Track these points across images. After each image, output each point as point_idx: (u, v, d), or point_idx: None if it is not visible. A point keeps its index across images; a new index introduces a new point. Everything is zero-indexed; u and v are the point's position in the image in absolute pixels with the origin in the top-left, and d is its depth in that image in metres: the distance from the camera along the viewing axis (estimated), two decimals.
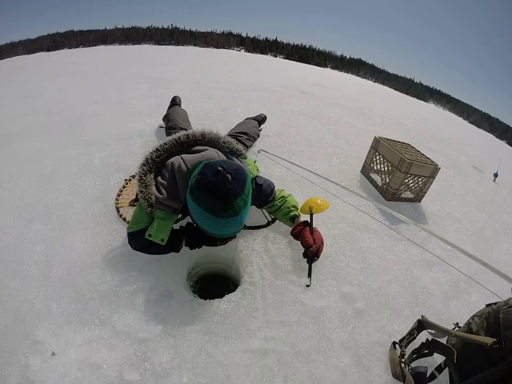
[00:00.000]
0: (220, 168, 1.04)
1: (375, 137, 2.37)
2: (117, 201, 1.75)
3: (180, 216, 1.35)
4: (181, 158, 1.24)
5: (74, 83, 4.68)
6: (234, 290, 1.36)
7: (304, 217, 1.56)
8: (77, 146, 2.40)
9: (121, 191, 1.83)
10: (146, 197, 1.20)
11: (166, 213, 1.24)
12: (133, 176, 1.95)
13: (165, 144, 1.33)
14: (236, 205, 1.05)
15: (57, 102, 3.57)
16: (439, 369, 1.06)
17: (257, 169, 1.51)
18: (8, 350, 1.06)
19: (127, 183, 1.90)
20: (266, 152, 2.07)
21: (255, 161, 1.57)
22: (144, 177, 1.25)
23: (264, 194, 1.48)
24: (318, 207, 1.54)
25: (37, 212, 1.69)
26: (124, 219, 1.63)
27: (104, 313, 1.20)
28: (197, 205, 1.06)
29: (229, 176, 1.04)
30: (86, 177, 1.98)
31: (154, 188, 1.24)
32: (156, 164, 1.30)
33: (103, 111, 3.20)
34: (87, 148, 2.35)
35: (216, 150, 1.30)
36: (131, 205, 1.73)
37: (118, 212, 1.68)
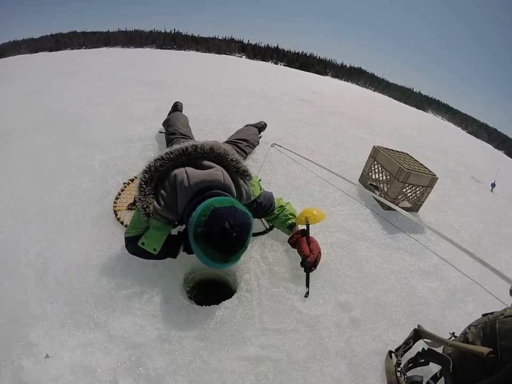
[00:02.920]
0: (226, 225, 1.03)
1: (374, 146, 2.38)
2: (115, 204, 1.75)
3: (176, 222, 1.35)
4: (186, 172, 1.22)
5: (75, 84, 4.70)
6: (231, 297, 1.35)
7: (302, 226, 1.57)
8: (77, 147, 2.40)
9: (120, 194, 1.83)
10: (144, 206, 1.20)
11: (161, 223, 1.23)
12: (132, 180, 1.95)
13: (171, 153, 1.29)
14: (235, 257, 1.11)
15: (58, 102, 3.58)
16: (435, 378, 1.06)
17: (261, 189, 1.50)
18: (1, 351, 1.05)
19: (125, 187, 1.90)
20: (280, 146, 2.05)
21: (260, 180, 1.56)
22: (144, 185, 1.24)
23: (263, 209, 1.50)
24: (314, 218, 1.54)
25: (35, 213, 1.68)
26: (122, 222, 1.63)
27: (100, 317, 1.19)
28: (200, 250, 1.08)
29: (234, 233, 1.04)
30: (84, 179, 1.97)
31: (153, 197, 1.23)
32: (159, 172, 1.27)
33: (104, 113, 3.20)
34: (86, 150, 2.35)
35: (222, 169, 1.28)
36: (129, 209, 1.73)
37: (116, 215, 1.68)
